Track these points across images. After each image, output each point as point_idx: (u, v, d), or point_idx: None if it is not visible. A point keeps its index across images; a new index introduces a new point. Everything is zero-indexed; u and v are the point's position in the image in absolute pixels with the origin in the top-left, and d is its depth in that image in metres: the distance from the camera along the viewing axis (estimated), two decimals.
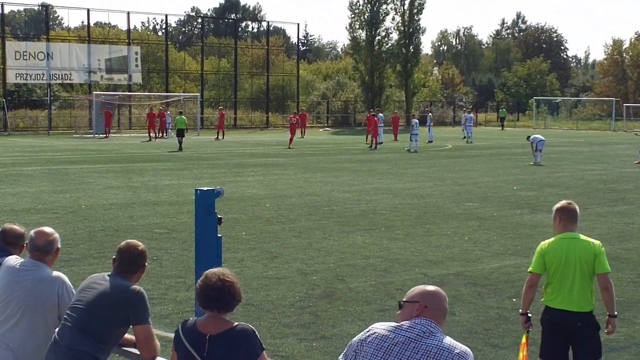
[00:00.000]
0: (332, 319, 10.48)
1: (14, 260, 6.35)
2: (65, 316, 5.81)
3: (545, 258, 7.45)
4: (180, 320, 10.19)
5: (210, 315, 4.95)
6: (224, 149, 45.86)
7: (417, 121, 48.43)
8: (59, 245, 6.43)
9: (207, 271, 5.08)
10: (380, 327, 4.55)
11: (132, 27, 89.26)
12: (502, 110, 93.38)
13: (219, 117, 59.33)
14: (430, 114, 61.86)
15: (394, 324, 4.54)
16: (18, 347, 6.03)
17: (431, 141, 53.68)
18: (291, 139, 48.47)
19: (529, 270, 7.66)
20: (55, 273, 6.22)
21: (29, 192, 23.35)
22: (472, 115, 61.08)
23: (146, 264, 6.03)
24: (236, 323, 4.96)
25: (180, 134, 44.95)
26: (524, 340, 7.54)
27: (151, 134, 55.97)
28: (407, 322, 4.48)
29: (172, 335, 9.55)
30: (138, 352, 5.83)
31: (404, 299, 4.62)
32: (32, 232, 6.39)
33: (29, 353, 6.04)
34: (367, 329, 4.60)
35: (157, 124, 57.39)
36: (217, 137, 56.46)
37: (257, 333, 4.98)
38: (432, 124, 58.44)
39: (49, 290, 6.08)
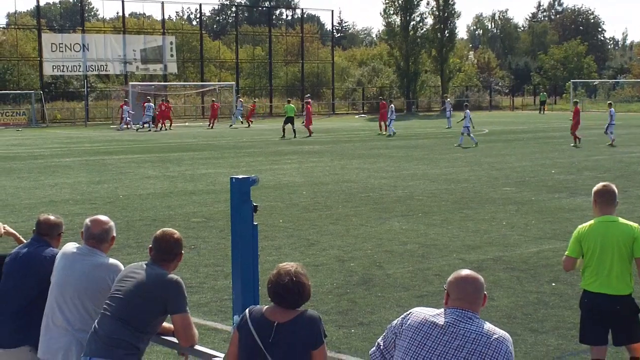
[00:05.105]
0: (370, 306, 10.48)
1: (71, 246, 6.41)
2: (105, 306, 5.83)
3: (581, 243, 7.39)
4: (218, 308, 10.33)
5: (277, 306, 4.95)
6: (260, 137, 45.93)
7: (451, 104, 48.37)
8: (114, 234, 6.51)
9: (280, 266, 5.02)
10: (420, 311, 4.61)
11: (166, 17, 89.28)
12: (542, 93, 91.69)
13: (252, 107, 59.39)
14: (448, 99, 61.09)
15: (434, 309, 4.59)
16: (76, 330, 6.08)
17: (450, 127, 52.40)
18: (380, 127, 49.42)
19: (565, 254, 7.60)
20: (112, 260, 6.28)
21: (67, 183, 23.56)
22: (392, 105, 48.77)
23: (182, 251, 6.05)
24: (304, 309, 4.97)
25: (290, 121, 45.68)
26: None
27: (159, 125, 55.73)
28: (444, 309, 4.54)
29: (211, 323, 9.69)
30: (177, 341, 5.86)
31: (445, 286, 4.66)
32: (87, 220, 6.46)
33: (86, 336, 6.07)
34: (408, 312, 4.66)
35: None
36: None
37: (322, 320, 4.98)
38: (451, 109, 57.16)
39: (106, 276, 6.13)
